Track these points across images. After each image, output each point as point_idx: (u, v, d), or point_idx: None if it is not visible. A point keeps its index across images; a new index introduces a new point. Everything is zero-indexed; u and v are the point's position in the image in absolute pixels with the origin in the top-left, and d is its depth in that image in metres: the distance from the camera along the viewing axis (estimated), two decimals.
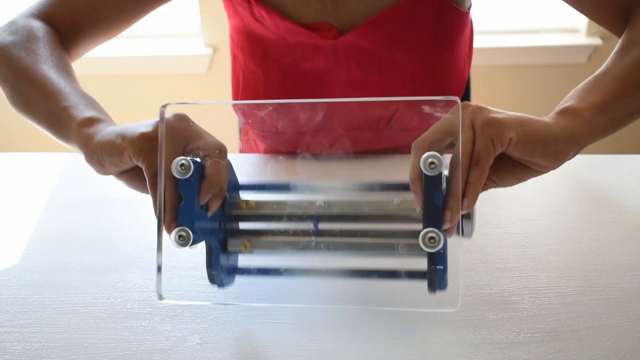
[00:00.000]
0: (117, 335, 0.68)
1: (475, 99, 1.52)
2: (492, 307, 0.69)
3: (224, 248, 0.66)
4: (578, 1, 0.83)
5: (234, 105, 1.02)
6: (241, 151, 1.07)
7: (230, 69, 1.04)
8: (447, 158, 0.58)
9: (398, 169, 0.72)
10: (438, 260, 0.57)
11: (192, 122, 0.62)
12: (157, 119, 0.60)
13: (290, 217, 0.65)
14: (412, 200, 0.59)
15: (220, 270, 0.65)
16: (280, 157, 0.94)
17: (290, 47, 0.96)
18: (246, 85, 1.00)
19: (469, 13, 0.99)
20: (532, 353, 0.64)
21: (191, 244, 0.59)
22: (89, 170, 0.97)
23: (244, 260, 0.69)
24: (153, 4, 0.90)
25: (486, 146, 0.57)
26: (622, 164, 0.94)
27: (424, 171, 0.56)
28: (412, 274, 0.63)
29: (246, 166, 0.96)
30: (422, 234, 0.55)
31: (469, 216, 0.58)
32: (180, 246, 0.57)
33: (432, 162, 0.55)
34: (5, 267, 0.78)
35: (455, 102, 0.58)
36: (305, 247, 0.65)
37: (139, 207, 0.88)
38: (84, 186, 0.93)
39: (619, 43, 0.71)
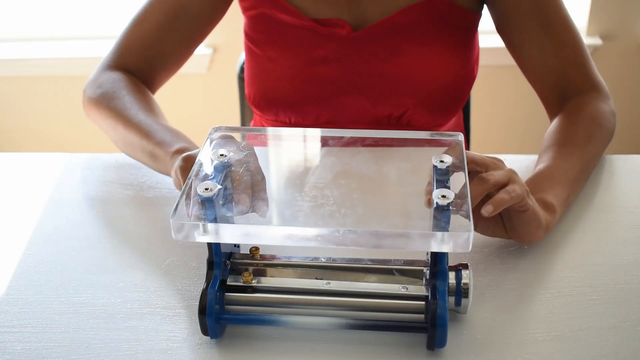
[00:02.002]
0: (117, 335, 0.68)
1: (476, 99, 1.52)
2: (492, 308, 0.69)
3: (223, 285, 0.66)
4: (524, 64, 0.97)
5: (247, 94, 1.03)
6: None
7: (245, 64, 1.06)
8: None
9: (404, 162, 0.72)
10: (439, 319, 0.62)
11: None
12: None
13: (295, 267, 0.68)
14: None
15: (214, 320, 0.64)
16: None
17: (306, 40, 0.98)
18: (262, 78, 1.02)
19: (480, 16, 1.00)
20: (532, 353, 0.64)
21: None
22: (89, 170, 0.98)
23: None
24: (206, 28, 1.00)
25: (519, 194, 0.68)
26: (622, 164, 0.94)
27: (435, 164, 0.66)
28: (413, 328, 0.64)
29: None
30: (434, 193, 0.62)
31: (467, 295, 0.65)
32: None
33: (442, 160, 0.67)
34: (5, 267, 0.78)
35: (458, 140, 0.71)
36: (307, 277, 0.67)
37: (138, 207, 0.88)
38: (84, 186, 0.93)
39: (558, 135, 0.87)
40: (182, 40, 0.99)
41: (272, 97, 1.01)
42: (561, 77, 0.94)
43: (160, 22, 0.97)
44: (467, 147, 1.19)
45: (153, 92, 1.01)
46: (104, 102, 0.92)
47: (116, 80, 0.94)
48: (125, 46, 0.98)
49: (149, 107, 0.92)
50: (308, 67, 0.99)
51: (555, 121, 0.91)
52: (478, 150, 1.94)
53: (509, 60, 0.98)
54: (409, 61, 0.97)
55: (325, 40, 0.97)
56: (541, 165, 0.83)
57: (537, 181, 0.80)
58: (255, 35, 1.01)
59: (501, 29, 0.97)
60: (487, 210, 0.67)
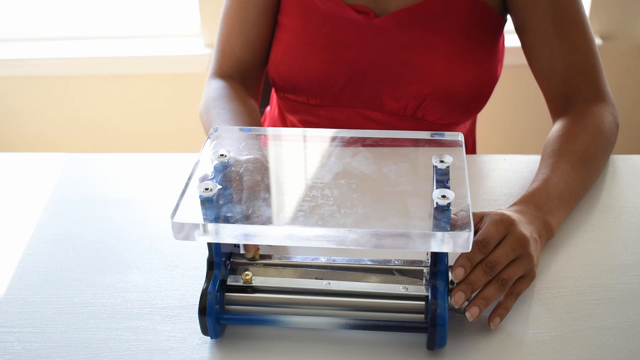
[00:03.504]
0: (117, 335, 0.68)
1: None
2: (492, 308, 0.69)
3: (223, 285, 0.66)
4: (533, 64, 0.97)
5: (270, 70, 1.04)
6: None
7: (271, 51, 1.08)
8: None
9: (404, 162, 0.72)
10: (439, 319, 0.62)
11: None
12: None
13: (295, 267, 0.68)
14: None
15: (214, 318, 0.64)
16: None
17: (330, 21, 0.99)
18: (282, 53, 1.03)
19: (505, 20, 1.00)
20: (532, 353, 0.64)
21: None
22: (89, 170, 0.98)
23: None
24: (275, 5, 1.04)
25: (505, 260, 0.67)
26: (623, 164, 0.94)
27: (435, 164, 0.67)
28: (413, 328, 0.64)
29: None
30: (434, 193, 0.62)
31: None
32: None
33: (442, 160, 0.68)
34: (5, 267, 0.78)
35: (458, 140, 0.71)
36: (307, 277, 0.67)
37: (139, 207, 0.88)
38: (84, 186, 0.93)
39: (562, 145, 0.86)
40: (260, 23, 1.04)
41: (292, 72, 1.01)
42: (567, 81, 0.93)
43: (237, 14, 1.03)
44: (474, 149, 1.19)
45: (256, 88, 1.08)
46: (204, 114, 1.01)
47: (214, 90, 1.02)
48: (220, 49, 1.05)
49: (234, 114, 0.96)
50: (329, 48, 1.00)
51: (559, 127, 0.90)
52: (480, 150, 1.94)
53: (512, 60, 0.98)
54: (429, 52, 0.97)
55: (347, 23, 0.99)
56: (544, 177, 0.81)
57: (541, 197, 0.78)
58: (283, 8, 1.03)
59: (518, 28, 0.97)
60: (472, 313, 0.65)
